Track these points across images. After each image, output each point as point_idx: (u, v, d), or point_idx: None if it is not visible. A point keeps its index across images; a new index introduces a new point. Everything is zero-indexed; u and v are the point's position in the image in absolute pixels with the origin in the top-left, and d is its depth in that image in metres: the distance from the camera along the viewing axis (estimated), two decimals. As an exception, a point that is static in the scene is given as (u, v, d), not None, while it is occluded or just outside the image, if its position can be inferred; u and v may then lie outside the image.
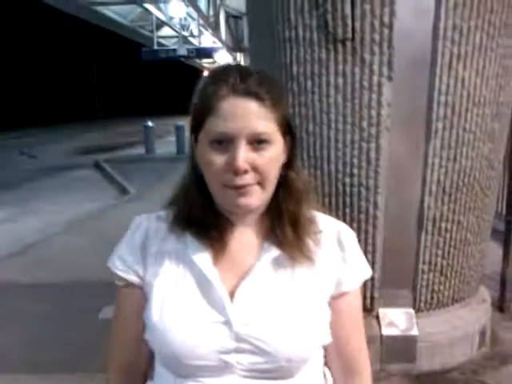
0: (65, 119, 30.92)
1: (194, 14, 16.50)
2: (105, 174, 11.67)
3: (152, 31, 17.86)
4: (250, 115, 0.93)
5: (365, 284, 2.08)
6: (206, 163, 0.97)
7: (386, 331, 2.08)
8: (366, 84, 1.92)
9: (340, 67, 1.94)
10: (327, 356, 1.07)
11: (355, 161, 1.97)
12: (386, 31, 1.89)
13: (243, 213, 1.01)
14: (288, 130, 1.01)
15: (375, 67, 1.91)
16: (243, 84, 0.95)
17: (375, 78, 1.92)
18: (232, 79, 0.95)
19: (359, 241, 1.95)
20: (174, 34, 20.02)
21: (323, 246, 1.03)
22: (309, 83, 2.00)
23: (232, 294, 0.99)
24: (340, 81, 1.94)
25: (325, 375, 1.07)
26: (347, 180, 2.00)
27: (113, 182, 10.52)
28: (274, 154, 0.96)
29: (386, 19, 1.88)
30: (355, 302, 1.07)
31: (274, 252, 1.01)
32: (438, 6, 1.87)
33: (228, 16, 19.98)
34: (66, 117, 31.75)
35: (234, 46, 21.42)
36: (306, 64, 2.00)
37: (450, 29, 1.88)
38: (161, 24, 18.02)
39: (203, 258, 1.02)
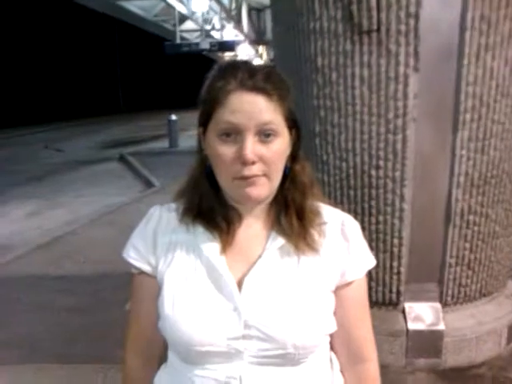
0: (89, 113, 31.24)
1: (217, 8, 16.48)
2: (130, 168, 11.78)
3: (175, 25, 17.91)
4: (258, 109, 0.96)
5: (391, 278, 2.08)
6: (215, 155, 1.00)
7: (412, 326, 2.07)
8: (391, 75, 1.89)
9: (365, 58, 1.92)
10: (333, 343, 1.11)
11: (381, 153, 1.95)
12: (411, 22, 1.86)
13: (251, 203, 1.04)
14: (293, 124, 1.04)
15: (401, 58, 1.89)
16: (251, 79, 0.97)
17: (401, 69, 1.89)
18: (240, 74, 0.98)
19: (385, 234, 1.95)
20: (196, 27, 20.02)
21: (328, 237, 1.06)
22: (334, 75, 1.98)
23: (240, 283, 1.02)
24: (365, 72, 1.92)
25: (331, 360, 1.11)
26: (373, 172, 1.98)
27: (138, 176, 10.62)
28: (281, 147, 1.00)
29: (412, 9, 1.85)
30: (360, 291, 1.11)
31: (280, 241, 1.04)
32: (465, -5, 1.83)
33: (250, 9, 19.91)
34: (91, 111, 32.08)
35: (257, 39, 21.34)
36: (331, 56, 1.98)
37: (478, 19, 1.84)
38: (183, 18, 18.04)
39: (212, 247, 1.05)
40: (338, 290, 1.08)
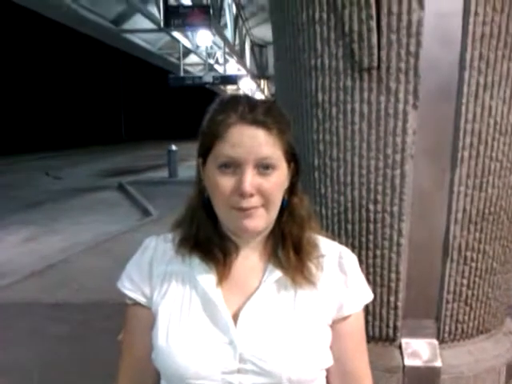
0: (91, 142, 31.45)
1: (220, 43, 16.77)
2: (128, 197, 11.82)
3: (179, 59, 18.18)
4: (258, 143, 0.98)
5: (387, 313, 2.08)
6: (214, 186, 1.01)
7: (409, 362, 2.05)
8: (391, 112, 1.93)
9: (365, 95, 1.95)
10: (329, 377, 1.09)
11: (379, 187, 1.97)
12: (412, 60, 1.90)
13: (248, 235, 1.04)
14: (292, 157, 1.06)
15: (401, 95, 1.92)
16: (251, 113, 1.00)
17: (400, 106, 1.92)
18: (241, 108, 1.01)
19: (382, 268, 1.95)
20: (200, 61, 20.32)
21: (325, 270, 1.07)
22: (334, 110, 2.01)
23: (236, 316, 1.02)
24: (365, 108, 1.95)
25: None
26: (371, 206, 1.99)
27: (136, 205, 10.64)
28: (279, 179, 1.01)
29: (413, 48, 1.89)
30: (357, 325, 1.11)
31: (277, 274, 1.06)
32: (464, 37, 1.88)
33: (253, 45, 20.28)
34: (92, 140, 32.29)
35: (258, 74, 21.69)
36: (332, 91, 2.01)
37: (477, 59, 1.88)
38: (187, 52, 18.33)
39: (208, 279, 1.04)
40: (334, 324, 1.07)
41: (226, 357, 0.99)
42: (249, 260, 1.08)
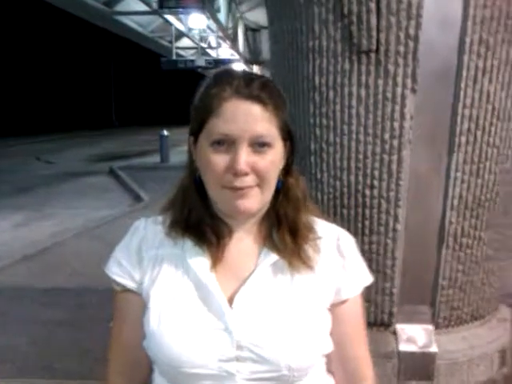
0: (82, 127, 31.21)
1: (213, 26, 16.62)
2: (120, 181, 11.76)
3: (171, 42, 18.03)
4: (253, 118, 0.94)
5: (383, 299, 2.07)
6: (206, 164, 0.96)
7: (404, 347, 2.05)
8: (389, 95, 1.90)
9: (363, 78, 1.92)
10: (329, 363, 1.07)
11: (376, 172, 1.95)
12: (411, 43, 1.87)
13: (241, 216, 1.01)
14: (288, 135, 1.02)
15: (399, 79, 1.89)
16: (247, 88, 0.95)
17: (399, 90, 1.90)
18: (236, 82, 0.96)
19: (378, 254, 1.94)
20: (192, 45, 20.18)
21: (322, 253, 1.03)
22: (331, 94, 1.98)
23: (231, 300, 0.98)
24: (363, 92, 1.92)
25: (327, 381, 1.07)
26: (367, 192, 1.98)
27: (127, 190, 10.59)
28: (275, 158, 0.98)
29: (412, 31, 1.86)
30: (356, 309, 1.08)
31: (273, 258, 1.01)
32: (464, 20, 1.85)
33: (246, 29, 20.11)
34: (83, 124, 32.05)
35: (251, 59, 21.53)
36: (329, 74, 1.98)
37: (476, 43, 1.86)
38: (180, 35, 18.17)
39: (201, 263, 1.00)
40: (333, 308, 1.04)
41: (223, 344, 0.95)
42: (243, 243, 1.05)
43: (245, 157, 0.94)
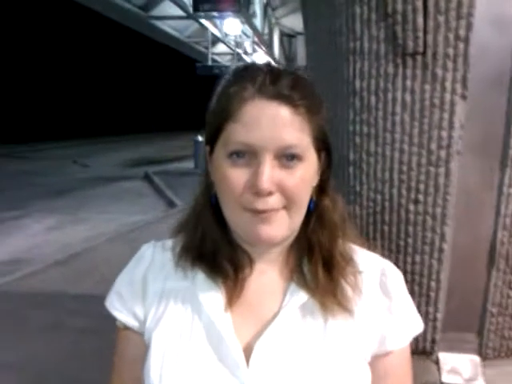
0: (119, 131, 31.65)
1: (249, 32, 16.61)
2: (154, 187, 11.82)
3: (207, 47, 18.09)
4: (280, 123, 0.77)
5: (426, 324, 1.87)
6: (222, 180, 0.80)
7: (447, 379, 1.87)
8: (436, 102, 1.74)
9: (408, 83, 1.77)
10: None
11: (421, 186, 1.79)
12: (461, 45, 1.71)
13: (265, 245, 0.83)
14: (324, 146, 0.85)
15: (448, 84, 1.73)
16: (273, 85, 0.79)
17: (447, 96, 1.74)
18: (260, 79, 0.80)
19: (421, 275, 1.76)
20: (228, 50, 20.20)
21: (364, 292, 0.87)
22: (373, 99, 1.84)
23: (249, 350, 0.81)
24: (408, 97, 1.77)
25: None
26: (411, 207, 1.81)
27: (161, 195, 10.63)
28: (307, 174, 0.81)
29: (462, 32, 1.70)
30: (402, 363, 0.92)
31: (302, 297, 0.83)
32: (522, 19, 1.68)
33: (282, 35, 20.04)
34: (120, 129, 32.50)
35: (287, 65, 21.44)
36: (371, 78, 1.84)
37: (534, 44, 1.68)
38: (216, 41, 18.22)
39: (214, 301, 0.84)
40: (374, 361, 0.87)
41: None
42: (266, 277, 0.88)
43: (269, 172, 0.78)
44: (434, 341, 1.91)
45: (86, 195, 10.60)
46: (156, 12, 13.45)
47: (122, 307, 0.91)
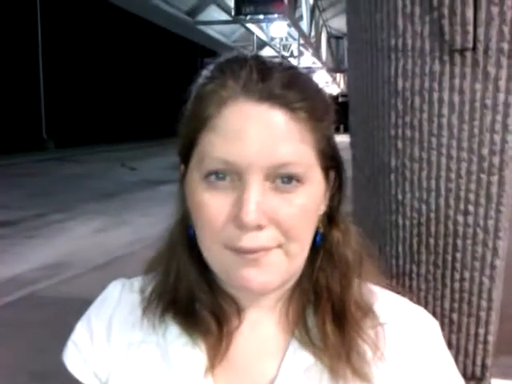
0: (164, 134, 32.17)
1: (296, 35, 16.52)
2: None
3: (253, 52, 18.16)
4: (272, 133, 0.60)
5: (475, 348, 1.70)
6: (197, 209, 0.64)
7: (501, 408, 1.70)
8: (488, 103, 1.58)
9: (456, 82, 1.62)
10: None
11: (471, 196, 1.63)
12: (517, 40, 1.55)
13: (254, 294, 0.65)
14: (333, 162, 0.66)
15: (501, 83, 1.58)
16: (263, 82, 0.61)
17: (501, 97, 1.58)
18: (245, 74, 0.63)
19: (471, 294, 1.59)
20: (274, 54, 20.20)
21: (387, 352, 0.66)
22: (417, 100, 1.69)
23: None
24: (456, 98, 1.62)
25: None
26: (460, 218, 1.65)
27: (205, 199, 10.64)
28: (310, 200, 0.63)
29: (518, 25, 1.54)
30: None
31: (307, 359, 0.64)
32: None
33: (329, 36, 19.85)
34: (166, 132, 33.01)
35: (334, 67, 21.21)
36: (415, 77, 1.69)
37: None
38: (262, 44, 18.23)
39: (191, 363, 0.65)
40: None
41: None
42: (260, 330, 0.69)
43: (257, 199, 0.59)
44: (484, 366, 1.74)
45: (132, 198, 10.73)
46: (202, 17, 13.56)
47: (80, 362, 0.75)
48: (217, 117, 0.62)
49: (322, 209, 0.68)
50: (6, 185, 12.03)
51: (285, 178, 0.61)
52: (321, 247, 0.69)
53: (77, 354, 0.76)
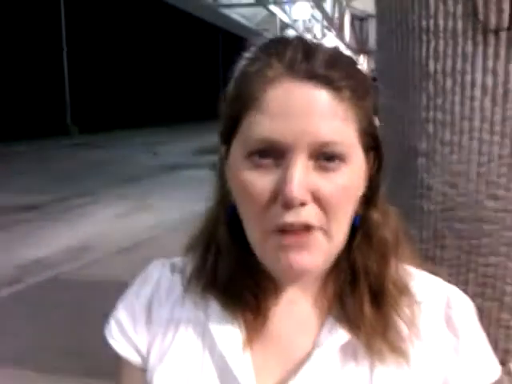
0: (187, 119, 32.18)
1: (319, 16, 16.34)
2: (221, 175, 11.85)
3: (276, 35, 18.02)
4: (317, 112, 0.60)
5: (497, 332, 1.69)
6: (241, 188, 0.64)
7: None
8: (523, 85, 1.54)
9: (490, 63, 1.58)
10: None
11: (502, 180, 1.60)
12: (554, 19, 1.50)
13: (297, 276, 0.66)
14: (374, 143, 0.65)
15: (537, 65, 1.53)
16: (307, 62, 0.62)
17: (536, 79, 1.53)
18: (289, 54, 0.63)
19: (495, 279, 1.57)
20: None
21: (423, 329, 0.67)
22: (448, 82, 1.65)
23: None
24: (489, 80, 1.58)
25: None
26: (489, 203, 1.63)
27: (227, 185, 10.63)
28: (351, 180, 0.63)
29: (556, 3, 1.49)
30: None
31: (343, 336, 0.67)
32: None
33: (353, 18, 19.57)
34: (189, 117, 33.02)
35: (358, 48, 20.94)
36: (447, 59, 1.66)
37: None
38: (285, 27, 18.07)
39: (230, 336, 0.67)
40: None
41: None
42: (296, 307, 0.70)
43: (301, 175, 0.59)
44: (507, 350, 1.71)
45: (154, 182, 10.78)
46: (225, 0, 13.49)
47: (122, 338, 0.77)
48: (262, 96, 0.61)
49: (362, 190, 0.67)
50: (30, 170, 12.20)
51: (328, 157, 0.61)
52: (359, 228, 0.69)
53: (119, 330, 0.78)
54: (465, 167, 1.65)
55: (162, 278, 0.79)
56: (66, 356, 2.95)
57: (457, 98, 1.64)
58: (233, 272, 0.70)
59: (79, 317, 3.55)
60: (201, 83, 37.40)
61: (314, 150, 0.60)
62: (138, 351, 0.75)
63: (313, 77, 0.61)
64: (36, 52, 22.15)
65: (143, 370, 0.74)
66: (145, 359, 0.74)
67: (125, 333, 0.77)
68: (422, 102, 1.72)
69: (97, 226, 6.79)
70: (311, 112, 0.59)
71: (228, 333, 0.68)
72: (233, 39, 27.25)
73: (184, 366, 0.69)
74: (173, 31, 33.25)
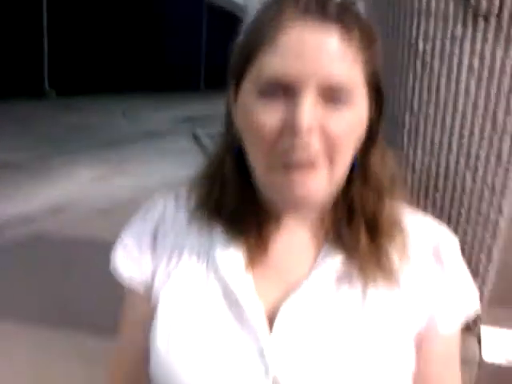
0: (168, 87, 31.71)
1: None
2: (201, 145, 11.82)
3: None
4: (328, 53, 0.65)
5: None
6: (251, 123, 0.67)
7: (488, 357, 1.81)
8: (508, 70, 1.64)
9: (477, 47, 1.67)
10: None
11: (482, 153, 1.70)
12: (542, 6, 1.59)
13: (299, 205, 0.72)
14: (376, 87, 0.73)
15: (523, 50, 1.62)
16: (321, 6, 0.66)
17: (521, 63, 1.63)
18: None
19: (472, 247, 1.70)
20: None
21: (413, 258, 0.76)
22: (436, 63, 1.74)
23: (272, 318, 0.71)
24: (476, 62, 1.67)
25: None
26: (468, 175, 1.73)
27: (207, 153, 10.64)
28: (355, 120, 0.69)
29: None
30: (452, 345, 0.79)
31: (338, 260, 0.72)
32: None
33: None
34: (170, 85, 32.55)
35: None
36: (436, 40, 1.74)
37: None
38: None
39: (233, 260, 0.73)
40: (421, 341, 0.76)
41: (253, 380, 0.68)
42: (295, 236, 0.77)
43: (311, 107, 0.64)
44: (477, 315, 1.85)
45: (133, 148, 10.71)
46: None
47: (127, 259, 0.82)
48: (276, 38, 0.66)
49: (362, 131, 0.74)
50: (8, 130, 11.99)
51: (336, 96, 0.67)
52: (358, 170, 0.77)
53: (124, 253, 0.84)
54: (446, 139, 1.75)
55: (166, 206, 0.86)
56: (47, 311, 3.02)
57: (443, 80, 1.72)
58: (237, 203, 0.76)
59: (62, 273, 3.62)
60: (182, 52, 36.81)
61: (323, 89, 0.65)
62: (143, 271, 0.80)
63: (326, 19, 0.67)
64: (15, 14, 21.44)
65: (146, 300, 0.79)
66: (148, 286, 0.79)
67: (130, 254, 0.83)
68: (409, 81, 1.80)
69: (75, 188, 6.78)
70: (323, 53, 0.65)
71: (231, 255, 0.74)
72: (217, 11, 26.78)
73: (189, 285, 0.76)
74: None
